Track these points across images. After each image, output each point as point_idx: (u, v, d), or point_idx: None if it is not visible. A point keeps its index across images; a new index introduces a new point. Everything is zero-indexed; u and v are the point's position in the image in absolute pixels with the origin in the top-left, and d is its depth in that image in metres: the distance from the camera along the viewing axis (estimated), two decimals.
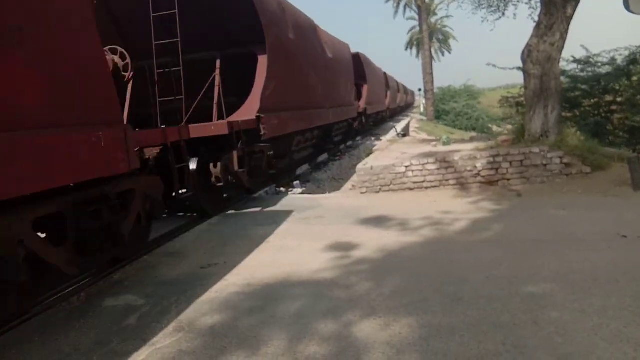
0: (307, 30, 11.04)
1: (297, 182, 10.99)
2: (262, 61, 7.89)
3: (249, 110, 7.58)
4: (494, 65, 13.84)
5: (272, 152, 8.22)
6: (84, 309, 3.96)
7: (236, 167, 6.89)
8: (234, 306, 3.73)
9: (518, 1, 10.59)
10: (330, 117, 12.90)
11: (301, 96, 10.26)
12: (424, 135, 21.10)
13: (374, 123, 25.71)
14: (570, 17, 8.09)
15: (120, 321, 3.64)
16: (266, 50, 7.85)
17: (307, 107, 10.71)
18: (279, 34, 8.66)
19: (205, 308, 3.73)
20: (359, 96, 19.31)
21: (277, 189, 9.87)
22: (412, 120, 31.44)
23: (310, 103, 10.96)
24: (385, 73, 28.94)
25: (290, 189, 10.27)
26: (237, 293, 4.00)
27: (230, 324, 3.42)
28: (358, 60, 19.63)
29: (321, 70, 11.87)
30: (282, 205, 7.52)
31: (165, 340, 3.26)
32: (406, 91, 47.83)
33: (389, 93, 30.82)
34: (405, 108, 49.41)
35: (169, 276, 4.58)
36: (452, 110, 39.06)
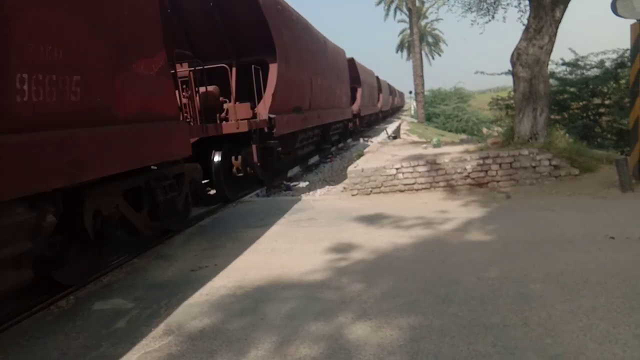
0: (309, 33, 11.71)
1: (289, 184, 10.98)
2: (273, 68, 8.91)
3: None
4: (483, 72, 14.10)
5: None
6: (73, 312, 3.92)
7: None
8: (224, 309, 3.72)
9: (507, 4, 10.69)
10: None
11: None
12: (414, 138, 21.18)
13: (367, 125, 25.60)
14: (559, 21, 8.16)
15: (109, 325, 3.61)
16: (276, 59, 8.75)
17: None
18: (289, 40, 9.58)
19: (195, 311, 3.71)
20: (353, 99, 18.61)
21: (268, 191, 9.85)
22: (402, 123, 31.58)
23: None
24: (377, 77, 28.54)
25: (282, 191, 10.26)
26: (228, 295, 3.98)
27: (220, 326, 3.40)
28: (352, 65, 19.14)
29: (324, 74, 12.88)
30: (273, 207, 7.50)
31: (154, 343, 3.24)
32: (391, 92, 47.50)
33: (381, 96, 29.96)
34: (396, 110, 49.46)
35: (159, 279, 4.54)
36: (442, 112, 39.32)
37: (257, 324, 3.40)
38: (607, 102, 12.99)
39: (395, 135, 20.20)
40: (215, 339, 3.22)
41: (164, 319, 3.61)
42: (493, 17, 10.75)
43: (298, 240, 5.51)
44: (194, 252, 5.37)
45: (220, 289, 4.15)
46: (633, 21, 6.68)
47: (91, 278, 4.64)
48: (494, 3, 10.53)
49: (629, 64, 12.22)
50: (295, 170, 12.75)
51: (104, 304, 4.03)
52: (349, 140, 20.25)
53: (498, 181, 7.48)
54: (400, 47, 58.73)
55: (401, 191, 7.77)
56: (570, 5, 8.17)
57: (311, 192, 9.90)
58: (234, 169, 8.53)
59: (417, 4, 39.05)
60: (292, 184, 11.04)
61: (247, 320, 3.48)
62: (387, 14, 49.59)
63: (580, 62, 13.35)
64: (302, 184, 11.32)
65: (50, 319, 3.83)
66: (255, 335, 3.23)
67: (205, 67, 7.59)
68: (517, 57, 8.33)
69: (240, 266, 4.75)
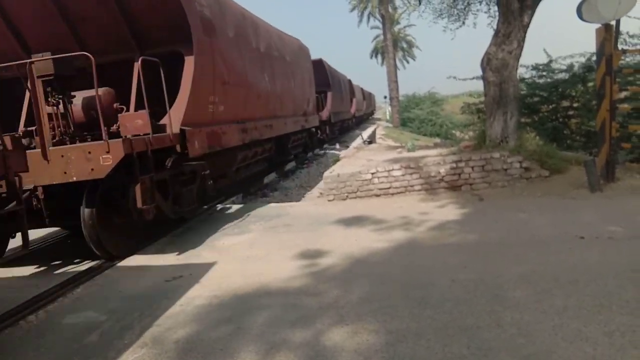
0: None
1: (265, 191, 10.94)
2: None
3: None
4: (455, 77, 14.30)
5: None
6: (43, 327, 3.82)
7: None
8: (200, 319, 3.67)
9: (477, 10, 10.87)
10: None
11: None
12: (390, 142, 21.35)
13: (339, 131, 25.66)
14: (527, 26, 8.34)
15: (81, 339, 3.52)
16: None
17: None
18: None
19: (169, 322, 3.65)
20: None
21: (244, 198, 9.80)
22: (378, 128, 31.84)
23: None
24: (349, 80, 29.85)
25: (259, 198, 10.21)
26: (204, 305, 3.93)
27: (195, 337, 3.36)
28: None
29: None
30: (249, 214, 7.45)
31: (127, 357, 3.17)
32: (368, 98, 48.52)
33: (365, 102, 37.90)
34: (370, 114, 49.97)
35: (133, 290, 4.46)
36: (416, 117, 39.69)
37: (233, 333, 3.37)
38: (575, 104, 13.28)
39: (371, 140, 20.31)
40: (191, 351, 3.17)
41: (138, 331, 3.55)
42: (464, 23, 10.93)
43: (274, 247, 5.48)
44: (169, 262, 5.29)
45: (195, 298, 4.10)
46: (598, 26, 6.86)
47: (62, 291, 4.54)
48: (464, 9, 10.71)
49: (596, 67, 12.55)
50: (272, 177, 12.71)
51: (75, 318, 3.94)
52: (326, 145, 20.74)
53: (471, 184, 7.58)
54: (375, 52, 59.27)
55: (377, 196, 7.81)
56: (557, 5, 8.35)
57: (287, 198, 9.87)
58: None
59: (390, 10, 39.46)
60: (268, 191, 10.98)
61: (223, 330, 3.44)
62: (360, 20, 50.03)
63: (549, 66, 13.62)
64: (278, 191, 11.28)
65: (20, 334, 3.73)
66: (231, 345, 3.19)
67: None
68: (487, 62, 8.48)
69: (216, 275, 4.70)
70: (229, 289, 4.24)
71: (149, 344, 3.33)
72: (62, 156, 5.17)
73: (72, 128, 5.91)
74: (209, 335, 3.36)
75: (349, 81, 29.23)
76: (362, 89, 39.02)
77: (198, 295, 4.18)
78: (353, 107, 29.81)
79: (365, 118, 41.99)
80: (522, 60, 8.63)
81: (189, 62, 6.66)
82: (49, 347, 3.44)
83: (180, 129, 6.46)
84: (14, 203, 3.80)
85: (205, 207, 8.12)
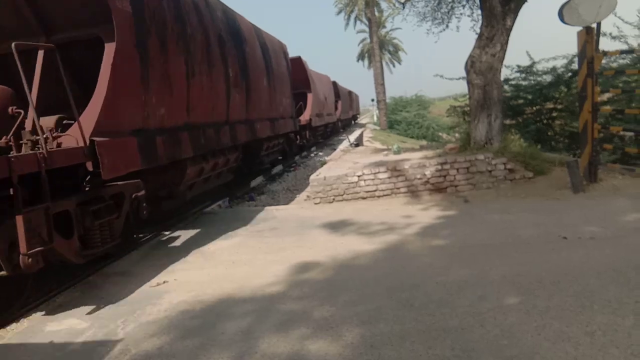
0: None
1: (251, 194, 10.90)
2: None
3: None
4: (442, 76, 14.33)
5: None
6: (25, 335, 3.76)
7: None
8: (183, 325, 3.64)
9: (461, 14, 10.98)
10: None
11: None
12: (377, 145, 21.37)
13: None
14: (510, 29, 8.44)
15: (63, 347, 3.48)
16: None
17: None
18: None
19: (153, 328, 3.61)
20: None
21: (231, 202, 9.75)
22: (365, 130, 31.93)
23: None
24: (335, 82, 27.15)
25: (245, 202, 10.17)
26: (187, 311, 3.90)
27: (179, 343, 3.33)
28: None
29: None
30: (235, 218, 7.42)
31: None
32: (354, 100, 45.79)
33: (339, 103, 29.42)
34: (348, 121, 40.13)
35: (116, 297, 4.41)
36: (404, 119, 39.91)
37: (216, 339, 3.34)
38: (559, 106, 13.44)
39: (358, 142, 20.34)
40: (174, 357, 3.14)
41: (121, 338, 3.51)
42: (447, 26, 11.03)
43: (260, 251, 5.46)
44: (153, 267, 5.24)
45: (179, 304, 4.07)
46: (580, 28, 6.96)
47: (44, 298, 4.48)
48: (448, 13, 10.81)
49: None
50: (259, 180, 12.67)
51: (58, 325, 3.88)
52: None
53: (456, 186, 7.63)
54: (361, 56, 59.48)
55: (363, 198, 7.83)
56: (539, 6, 8.46)
57: (274, 202, 9.86)
58: None
59: (376, 13, 39.67)
60: (254, 194, 10.95)
61: (206, 336, 3.41)
62: (347, 24, 50.12)
63: (534, 69, 13.76)
64: (265, 194, 11.23)
65: (1, 343, 3.67)
66: (214, 350, 3.17)
67: None
68: (471, 65, 8.55)
69: (201, 280, 4.66)
70: (214, 294, 4.21)
71: (132, 350, 3.29)
72: None
73: None
74: (192, 342, 3.34)
75: (347, 90, 28.03)
76: (335, 84, 28.62)
77: (182, 300, 4.15)
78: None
79: (342, 126, 32.72)
80: (505, 61, 8.74)
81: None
82: (30, 356, 3.39)
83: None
84: None
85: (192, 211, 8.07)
